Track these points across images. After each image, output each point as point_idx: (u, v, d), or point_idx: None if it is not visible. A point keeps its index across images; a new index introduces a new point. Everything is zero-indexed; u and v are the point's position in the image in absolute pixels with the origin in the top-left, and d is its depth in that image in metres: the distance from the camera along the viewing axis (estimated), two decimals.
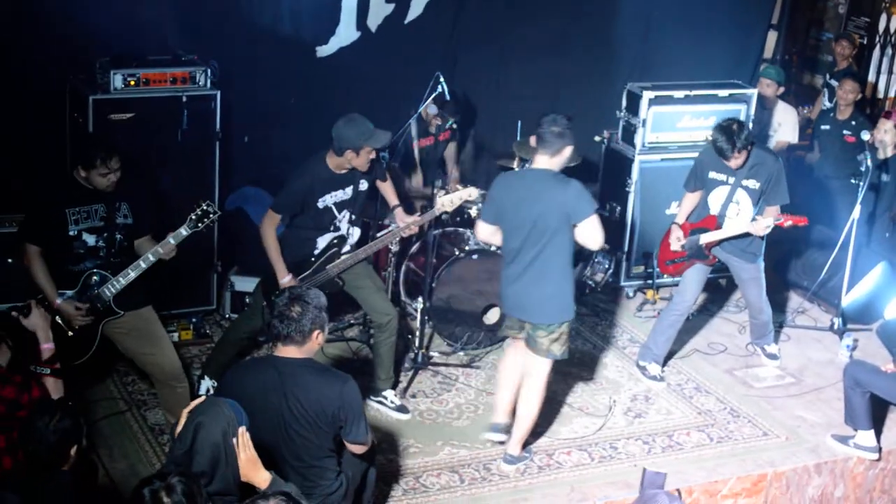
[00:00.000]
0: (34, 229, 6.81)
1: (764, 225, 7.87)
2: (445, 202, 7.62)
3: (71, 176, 6.86)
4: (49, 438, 4.75)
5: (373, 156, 7.26)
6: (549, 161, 6.72)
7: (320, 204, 7.29)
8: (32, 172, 7.83)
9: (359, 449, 5.75)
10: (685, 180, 8.28)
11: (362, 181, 7.43)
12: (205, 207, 6.87)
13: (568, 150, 6.73)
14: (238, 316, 8.07)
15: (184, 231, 6.84)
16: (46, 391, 5.78)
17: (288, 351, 5.54)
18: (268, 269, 7.36)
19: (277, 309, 5.52)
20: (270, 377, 5.49)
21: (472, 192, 7.69)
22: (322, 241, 7.41)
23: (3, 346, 5.96)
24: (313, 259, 7.41)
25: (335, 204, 7.35)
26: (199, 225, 6.88)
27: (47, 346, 5.94)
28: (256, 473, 5.00)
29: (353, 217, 7.51)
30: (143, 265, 6.84)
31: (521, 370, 7.08)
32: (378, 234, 8.06)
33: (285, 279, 7.26)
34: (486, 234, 7.01)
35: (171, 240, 6.82)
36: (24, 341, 5.98)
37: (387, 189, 7.79)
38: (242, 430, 4.98)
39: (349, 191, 7.38)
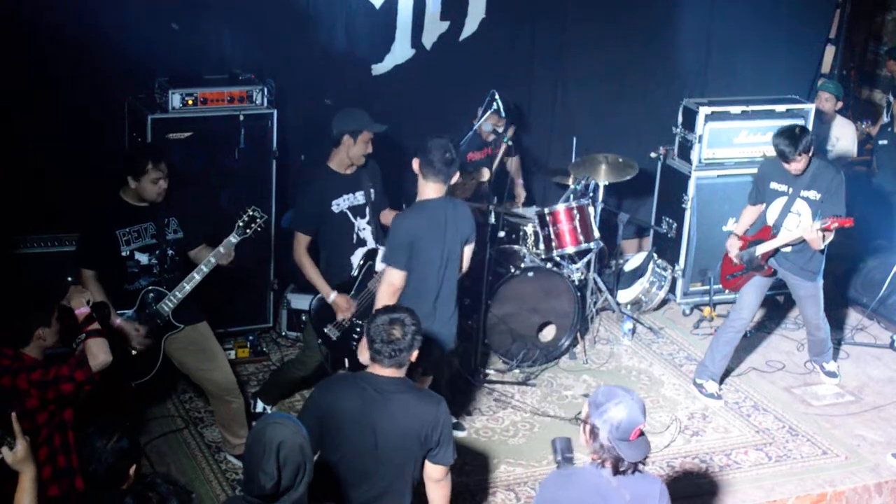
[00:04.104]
0: (87, 254, 6.87)
1: (813, 229, 7.71)
2: None
3: (118, 196, 6.89)
4: (108, 459, 4.76)
5: (369, 149, 7.23)
6: None
7: (335, 208, 7.26)
8: (87, 193, 7.90)
9: (440, 473, 5.55)
10: (749, 193, 8.25)
11: (371, 189, 7.40)
12: (251, 213, 6.88)
13: None
14: (294, 358, 7.91)
15: (233, 239, 6.86)
16: (73, 364, 5.66)
17: (387, 371, 5.39)
18: (314, 305, 7.33)
19: (377, 332, 5.34)
20: (369, 395, 5.34)
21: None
22: (355, 259, 7.37)
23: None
24: (351, 279, 7.33)
25: (350, 209, 7.32)
26: (248, 231, 6.89)
27: (81, 311, 5.84)
28: None
29: (375, 230, 7.44)
30: (198, 277, 6.88)
31: None
32: None
33: (332, 296, 7.21)
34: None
35: (222, 248, 6.85)
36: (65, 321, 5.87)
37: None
38: None
39: (360, 196, 7.35)
